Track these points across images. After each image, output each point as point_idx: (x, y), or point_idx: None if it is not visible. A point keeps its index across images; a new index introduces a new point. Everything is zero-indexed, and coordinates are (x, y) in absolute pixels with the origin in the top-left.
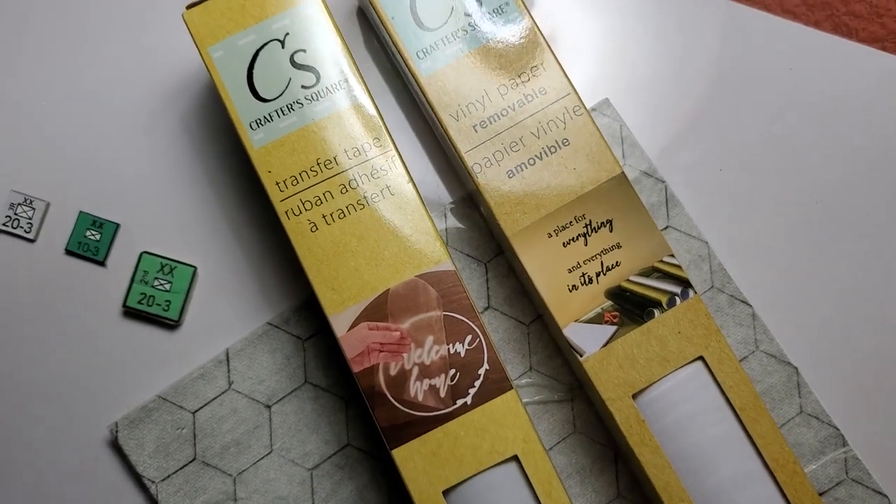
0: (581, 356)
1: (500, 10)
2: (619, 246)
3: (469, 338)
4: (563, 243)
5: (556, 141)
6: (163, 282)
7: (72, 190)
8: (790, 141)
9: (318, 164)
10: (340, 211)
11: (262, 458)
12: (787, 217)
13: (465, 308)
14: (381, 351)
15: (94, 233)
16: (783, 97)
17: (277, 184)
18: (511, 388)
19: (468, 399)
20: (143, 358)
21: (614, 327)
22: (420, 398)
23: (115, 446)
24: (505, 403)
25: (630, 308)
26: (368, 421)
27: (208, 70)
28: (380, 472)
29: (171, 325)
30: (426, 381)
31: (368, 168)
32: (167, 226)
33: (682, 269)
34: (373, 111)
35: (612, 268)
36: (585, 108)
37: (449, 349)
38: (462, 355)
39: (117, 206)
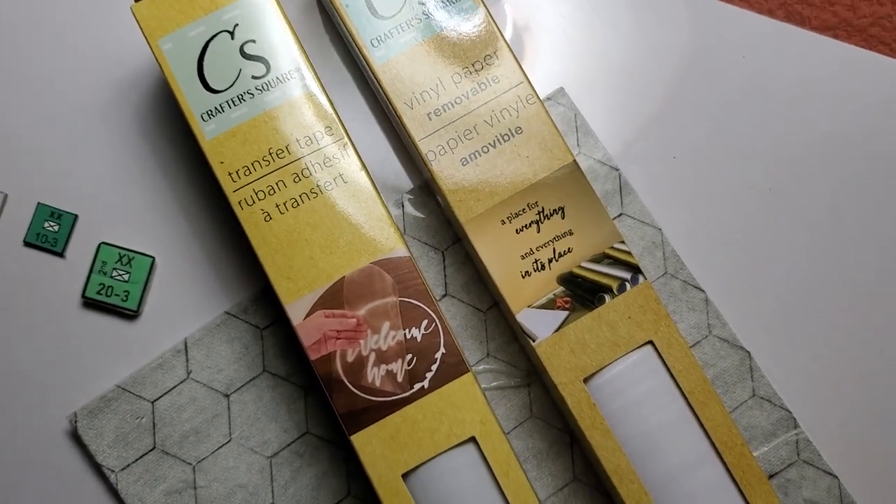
0: (534, 341)
1: (451, 0)
2: (570, 233)
3: (425, 322)
4: (517, 230)
5: (510, 129)
6: (121, 272)
7: (30, 182)
8: (743, 128)
9: (270, 153)
10: (294, 200)
11: (221, 447)
12: (740, 204)
13: (421, 293)
14: (338, 338)
15: (52, 224)
16: (736, 85)
17: (230, 174)
18: (468, 370)
19: (425, 383)
20: (103, 348)
21: (566, 312)
22: (377, 384)
23: (75, 436)
24: (462, 386)
25: (581, 294)
26: (327, 408)
27: (158, 63)
28: (339, 459)
29: (130, 315)
30: (383, 367)
31: (321, 156)
32: (125, 217)
33: (633, 256)
34: (324, 100)
35: (564, 254)
36: (538, 96)
37: (405, 334)
38: (419, 340)
39: (75, 197)
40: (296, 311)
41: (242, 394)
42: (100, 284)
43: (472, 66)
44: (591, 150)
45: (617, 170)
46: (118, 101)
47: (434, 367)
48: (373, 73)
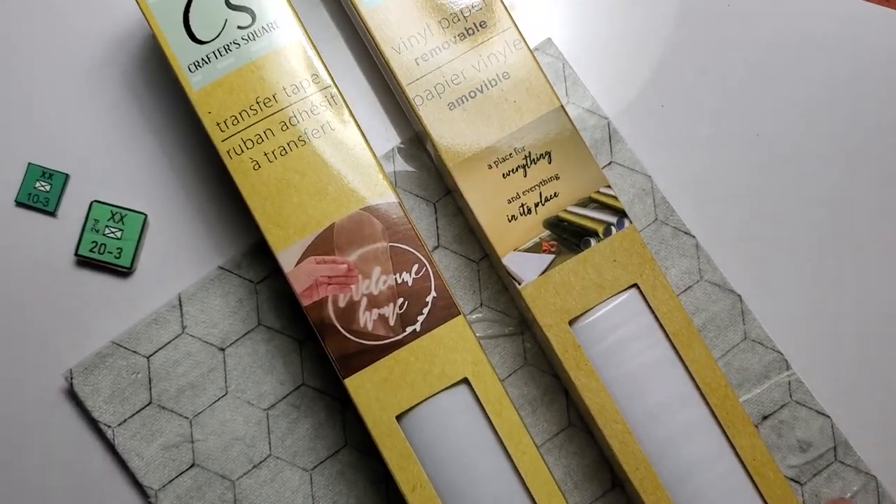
0: (519, 284)
1: None
2: (557, 177)
3: (416, 267)
4: (503, 174)
5: (497, 74)
6: (114, 230)
7: (20, 142)
8: (730, 75)
9: (257, 102)
10: (282, 148)
11: (217, 400)
12: (729, 150)
13: (411, 238)
14: (330, 283)
15: (44, 184)
16: (723, 32)
17: (218, 124)
18: (459, 313)
19: (417, 326)
20: (97, 306)
21: (552, 256)
22: (370, 327)
23: (71, 393)
24: (453, 328)
25: (567, 237)
26: (323, 360)
27: (145, 16)
28: (335, 410)
29: (124, 272)
30: (375, 311)
31: (308, 105)
32: (117, 174)
33: (618, 200)
34: (309, 48)
35: (551, 198)
36: (525, 42)
37: (396, 279)
38: (409, 284)
39: (67, 156)
40: (287, 259)
41: (238, 347)
42: (92, 242)
43: (461, 11)
44: (580, 100)
45: (606, 118)
46: (107, 60)
47: (425, 311)
48: (361, 19)
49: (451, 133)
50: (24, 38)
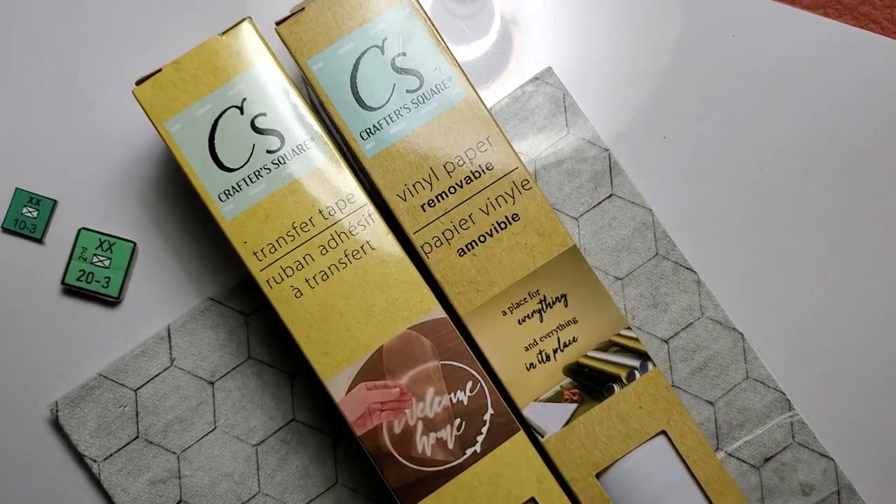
0: (542, 437)
1: (442, 86)
2: (574, 321)
3: (470, 384)
4: (519, 320)
5: (506, 217)
6: (102, 258)
7: (7, 167)
8: (733, 108)
9: (294, 227)
10: (323, 272)
11: (206, 435)
12: (732, 184)
13: (462, 354)
14: (383, 410)
15: (31, 210)
16: (726, 64)
17: (255, 254)
18: (519, 429)
19: (477, 447)
20: (84, 336)
21: (574, 405)
22: (429, 453)
23: (56, 426)
24: (515, 445)
25: (589, 384)
26: (314, 395)
27: (167, 145)
28: (327, 446)
29: (112, 302)
30: (433, 435)
31: (346, 225)
32: (106, 202)
33: (640, 342)
34: (343, 167)
35: (569, 343)
36: (534, 181)
37: (451, 399)
38: (465, 403)
39: (55, 182)
40: (336, 387)
41: (227, 381)
42: (80, 271)
43: (465, 153)
44: (581, 131)
45: (607, 150)
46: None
47: (484, 430)
48: (363, 167)
49: (462, 280)
50: (20, 62)
